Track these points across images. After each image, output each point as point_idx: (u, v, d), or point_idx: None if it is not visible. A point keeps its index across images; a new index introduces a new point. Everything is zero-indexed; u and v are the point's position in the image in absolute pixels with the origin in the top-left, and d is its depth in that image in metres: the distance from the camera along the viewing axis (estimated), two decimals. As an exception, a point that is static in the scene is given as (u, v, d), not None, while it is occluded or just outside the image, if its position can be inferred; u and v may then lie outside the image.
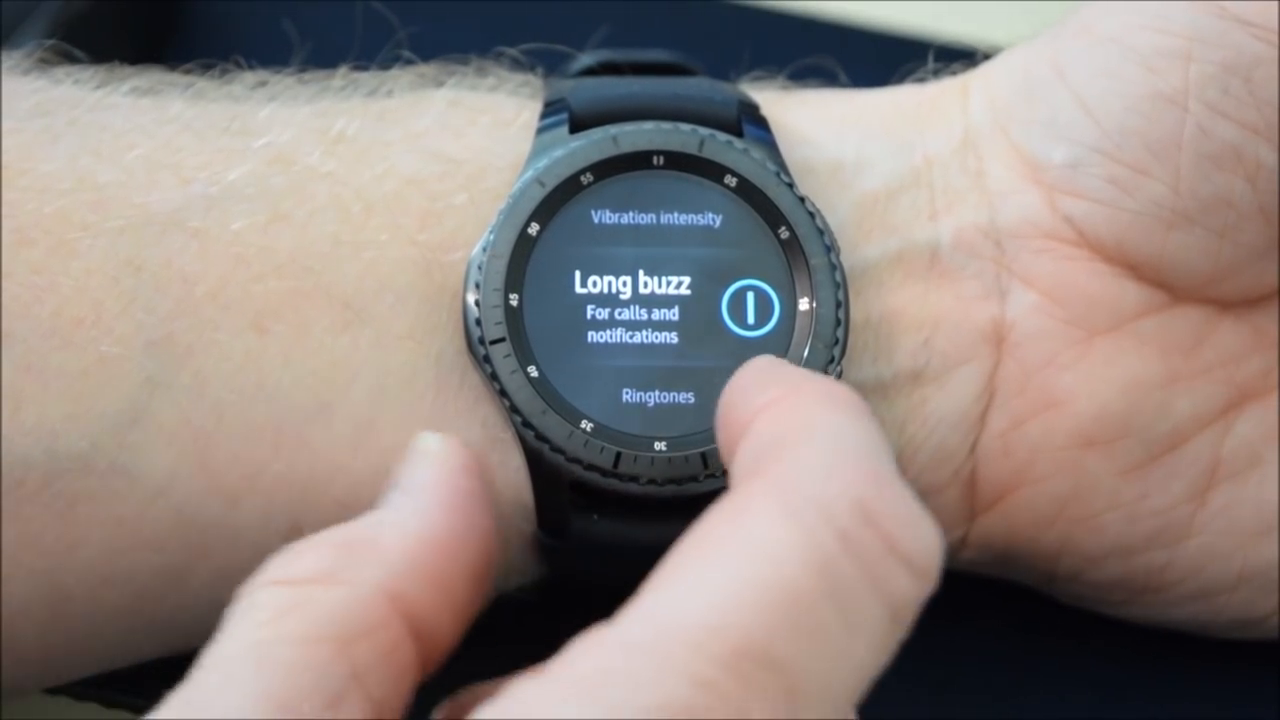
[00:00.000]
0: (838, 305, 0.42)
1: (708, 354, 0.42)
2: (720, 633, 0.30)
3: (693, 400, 0.41)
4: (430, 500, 0.37)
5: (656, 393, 0.41)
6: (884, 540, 0.31)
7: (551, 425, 0.41)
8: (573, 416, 0.41)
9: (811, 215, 0.42)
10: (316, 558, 0.35)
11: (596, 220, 0.42)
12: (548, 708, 0.30)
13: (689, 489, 0.41)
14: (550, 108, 0.43)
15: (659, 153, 0.42)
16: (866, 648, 0.31)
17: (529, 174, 0.42)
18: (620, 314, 0.42)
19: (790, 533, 0.31)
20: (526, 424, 0.41)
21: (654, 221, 0.42)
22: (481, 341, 0.41)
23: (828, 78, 0.48)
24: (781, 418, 0.34)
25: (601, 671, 0.30)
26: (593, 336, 0.42)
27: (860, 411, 0.34)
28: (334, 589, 0.35)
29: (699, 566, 0.31)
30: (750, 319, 0.42)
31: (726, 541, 0.31)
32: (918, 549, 0.31)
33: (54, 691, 0.43)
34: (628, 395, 0.41)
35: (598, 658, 0.31)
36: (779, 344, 0.42)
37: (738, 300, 0.42)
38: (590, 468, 0.41)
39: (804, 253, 0.42)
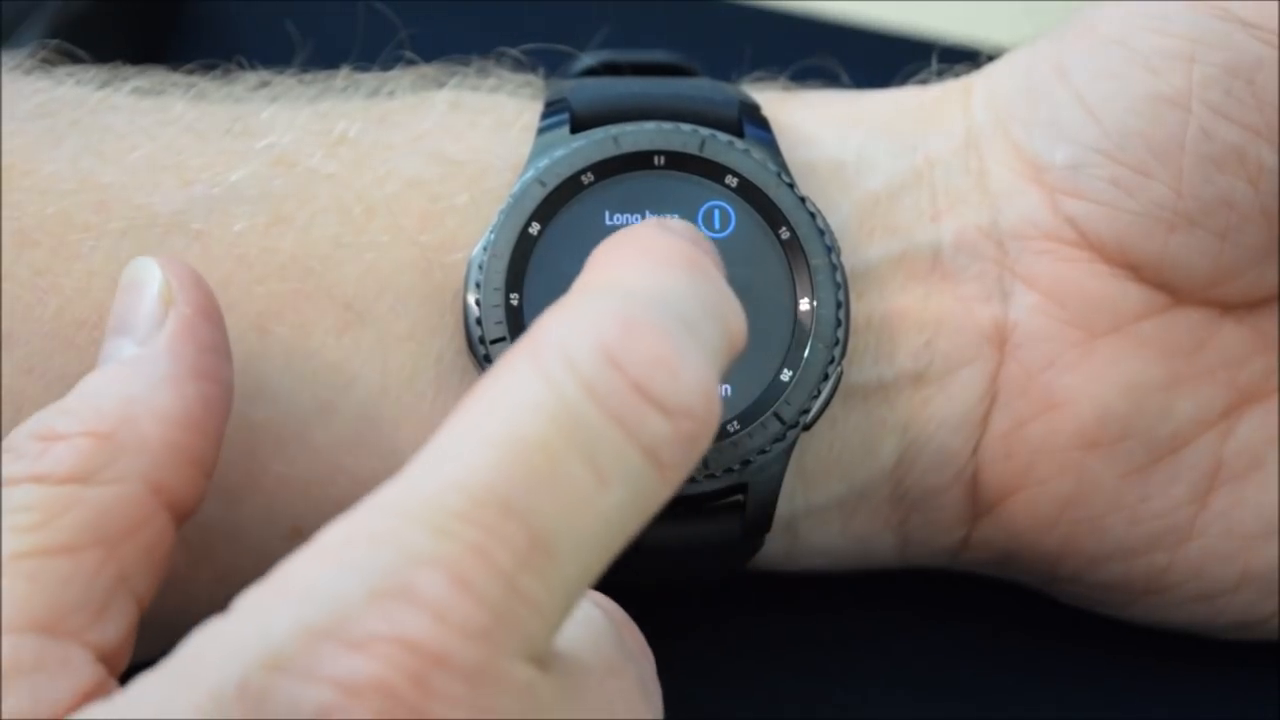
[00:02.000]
0: (838, 305, 0.42)
1: None
2: (460, 486, 0.30)
3: None
4: (179, 366, 0.36)
5: None
6: (631, 384, 0.30)
7: None
8: None
9: (812, 215, 0.42)
10: (77, 452, 0.34)
11: (608, 221, 0.42)
12: (308, 576, 0.30)
13: (686, 489, 0.41)
14: (551, 108, 0.43)
15: (660, 153, 0.42)
16: (622, 493, 0.30)
17: (530, 174, 0.42)
18: None
19: (534, 384, 0.31)
20: (527, 424, 0.41)
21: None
22: (482, 341, 0.41)
23: (830, 78, 0.48)
24: (588, 272, 0.34)
25: (349, 535, 0.31)
26: None
27: (673, 260, 0.33)
28: (101, 489, 0.34)
29: (452, 429, 0.31)
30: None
31: (480, 401, 0.31)
32: (670, 389, 0.31)
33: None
34: None
35: (349, 524, 0.31)
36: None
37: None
38: None
39: (804, 253, 0.42)
